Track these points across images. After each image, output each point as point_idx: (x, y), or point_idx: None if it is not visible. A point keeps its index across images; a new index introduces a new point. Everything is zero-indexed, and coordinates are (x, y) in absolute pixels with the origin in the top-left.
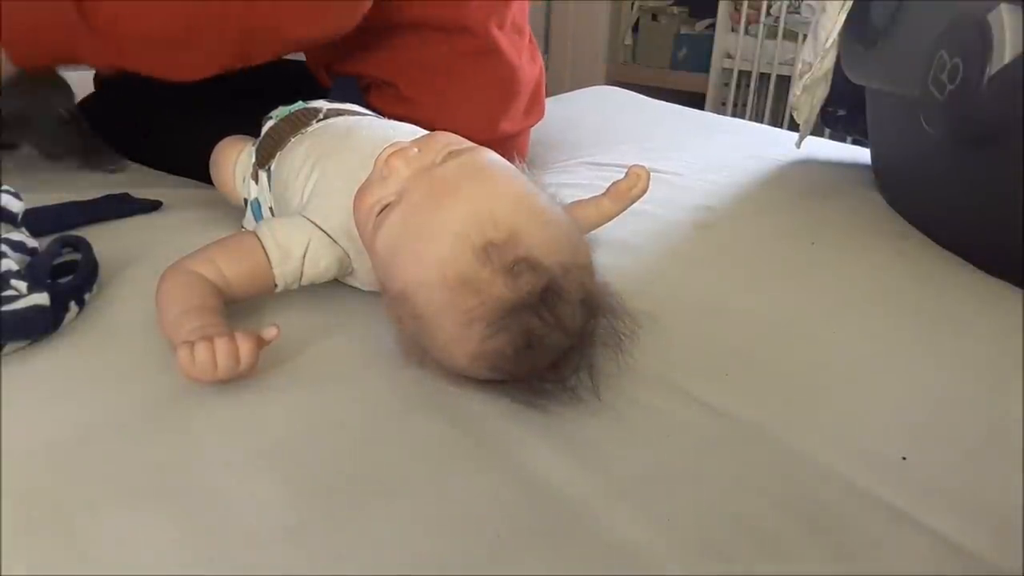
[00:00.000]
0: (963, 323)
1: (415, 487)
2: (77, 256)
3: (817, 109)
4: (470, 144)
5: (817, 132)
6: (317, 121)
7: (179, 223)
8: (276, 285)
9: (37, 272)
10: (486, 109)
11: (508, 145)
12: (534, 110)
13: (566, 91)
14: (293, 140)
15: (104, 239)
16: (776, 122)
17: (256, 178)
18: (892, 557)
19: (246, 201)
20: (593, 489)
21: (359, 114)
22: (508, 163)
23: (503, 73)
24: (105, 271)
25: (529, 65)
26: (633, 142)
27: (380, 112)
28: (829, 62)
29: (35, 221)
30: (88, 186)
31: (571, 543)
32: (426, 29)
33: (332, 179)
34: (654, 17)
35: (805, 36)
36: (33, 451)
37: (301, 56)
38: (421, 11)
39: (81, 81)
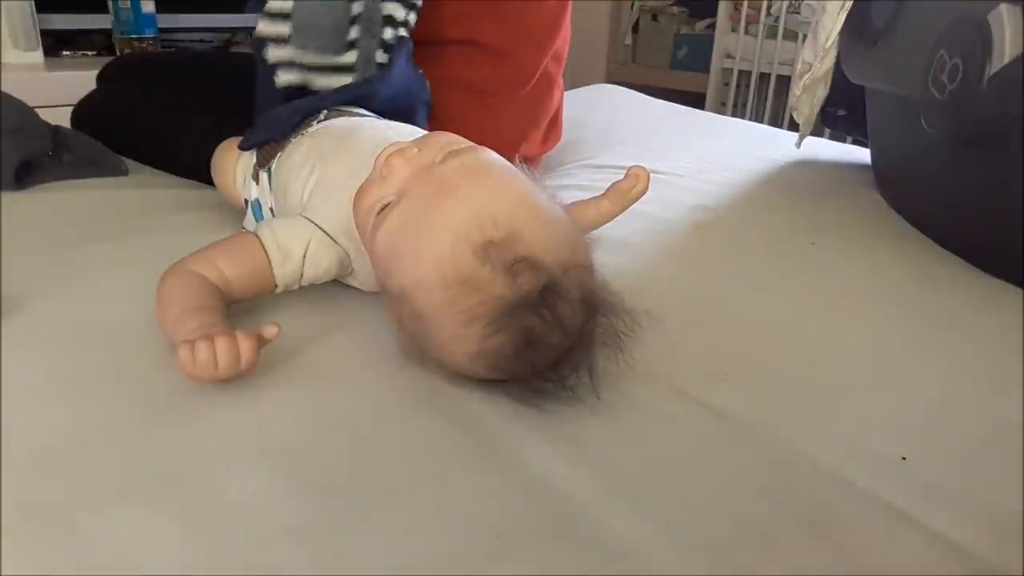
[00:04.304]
0: (963, 323)
1: (415, 487)
2: None
3: (817, 109)
4: (470, 144)
5: (817, 132)
6: (318, 122)
7: (180, 224)
8: (276, 285)
9: None
10: (512, 134)
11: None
12: (551, 135)
13: (566, 91)
14: (294, 141)
15: (103, 239)
16: (776, 122)
17: (257, 178)
18: (892, 557)
19: (247, 201)
20: (593, 489)
21: (359, 115)
22: (508, 163)
23: (537, 101)
24: (104, 271)
25: (556, 91)
26: (633, 142)
27: None
28: (829, 62)
29: None
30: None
31: (571, 543)
32: (473, 50)
33: (332, 179)
34: (654, 17)
35: (805, 36)
36: (33, 451)
37: None
38: (471, 33)
39: (80, 81)
